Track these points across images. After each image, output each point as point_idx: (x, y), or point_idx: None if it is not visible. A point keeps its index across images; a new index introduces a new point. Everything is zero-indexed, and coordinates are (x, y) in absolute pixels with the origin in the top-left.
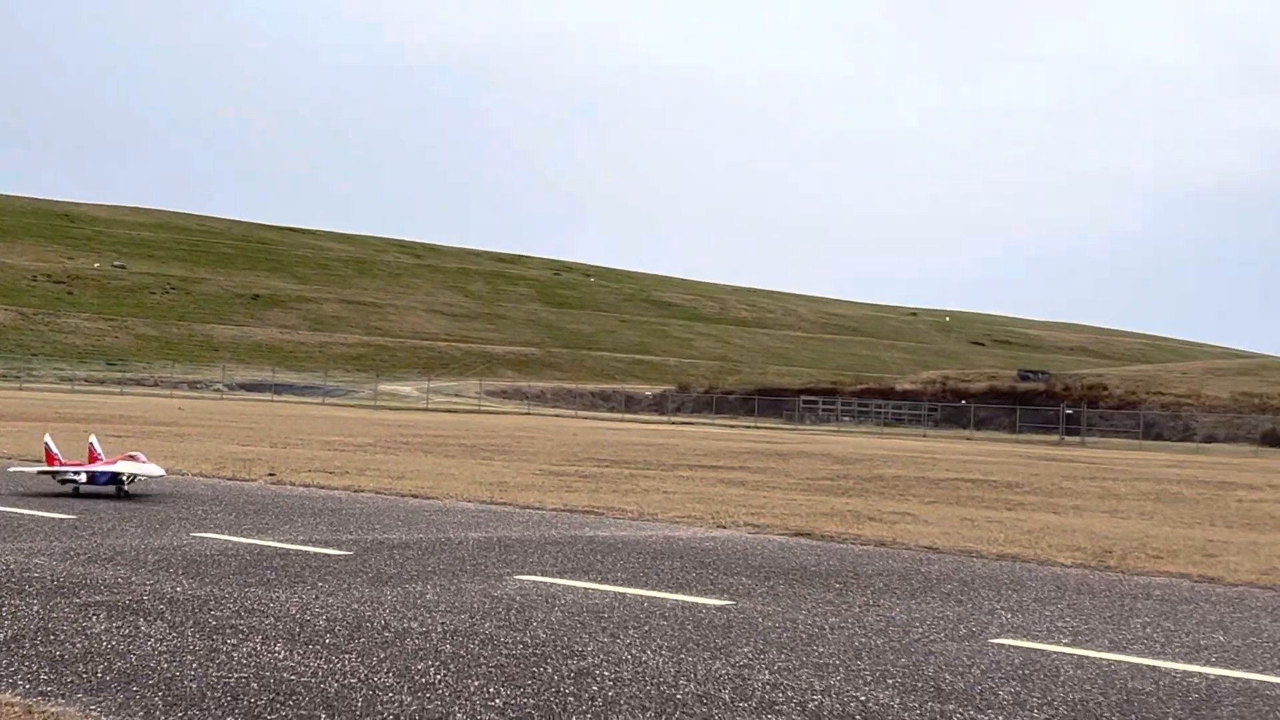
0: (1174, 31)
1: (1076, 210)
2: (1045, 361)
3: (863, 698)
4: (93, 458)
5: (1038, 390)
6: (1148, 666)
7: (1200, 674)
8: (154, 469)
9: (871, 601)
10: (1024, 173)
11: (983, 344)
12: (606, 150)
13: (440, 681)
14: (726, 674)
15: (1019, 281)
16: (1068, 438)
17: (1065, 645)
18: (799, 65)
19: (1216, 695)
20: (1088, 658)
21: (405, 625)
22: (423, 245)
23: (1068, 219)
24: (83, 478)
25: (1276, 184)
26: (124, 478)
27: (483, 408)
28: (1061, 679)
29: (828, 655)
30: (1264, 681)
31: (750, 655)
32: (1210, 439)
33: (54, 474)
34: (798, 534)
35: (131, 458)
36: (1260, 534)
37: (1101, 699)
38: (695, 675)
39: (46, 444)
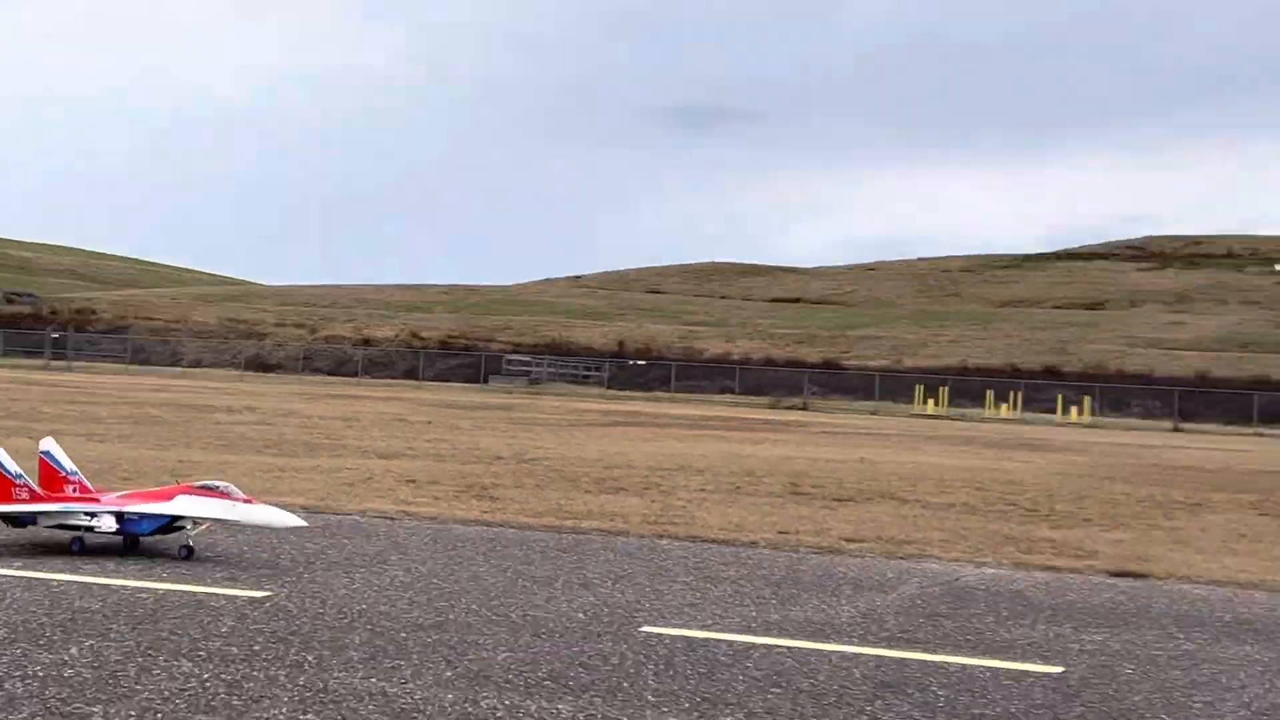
0: None
1: (64, 133)
2: (34, 284)
3: None
4: (57, 484)
5: (25, 313)
6: None
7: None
8: (282, 516)
9: None
10: None
11: None
12: None
13: None
14: None
15: (4, 201)
16: (55, 361)
17: None
18: None
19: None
20: None
21: None
22: None
23: (55, 141)
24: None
25: (257, 110)
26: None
27: None
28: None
29: None
30: None
31: None
32: (198, 363)
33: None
34: None
35: (206, 490)
36: (234, 454)
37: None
38: None
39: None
